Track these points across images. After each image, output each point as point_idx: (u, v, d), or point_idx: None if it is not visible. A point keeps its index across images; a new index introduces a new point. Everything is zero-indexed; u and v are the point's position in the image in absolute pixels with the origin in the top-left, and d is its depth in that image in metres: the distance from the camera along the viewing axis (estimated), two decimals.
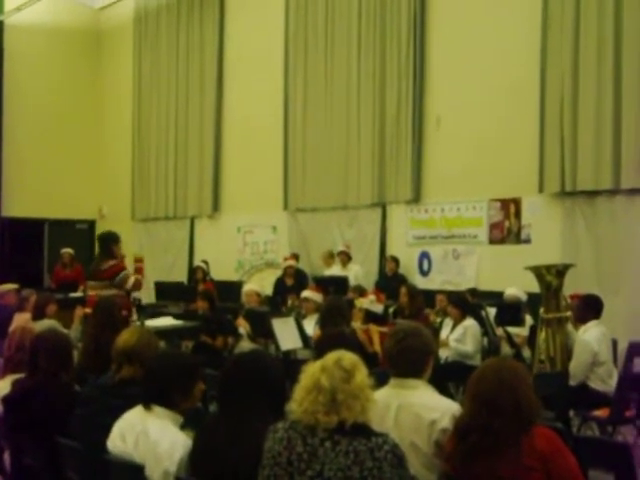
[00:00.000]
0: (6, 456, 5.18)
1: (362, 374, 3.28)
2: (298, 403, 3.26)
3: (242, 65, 16.27)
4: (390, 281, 12.30)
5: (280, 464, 3.23)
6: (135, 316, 9.04)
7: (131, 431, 3.97)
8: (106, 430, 4.09)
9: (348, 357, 3.34)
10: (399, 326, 4.36)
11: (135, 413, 4.05)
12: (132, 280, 8.79)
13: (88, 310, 8.08)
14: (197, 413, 4.99)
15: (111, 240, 9.06)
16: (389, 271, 12.88)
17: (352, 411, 3.19)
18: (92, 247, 19.97)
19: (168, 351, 4.53)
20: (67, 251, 16.13)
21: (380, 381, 4.12)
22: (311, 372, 3.29)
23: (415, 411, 3.91)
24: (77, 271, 15.90)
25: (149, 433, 3.89)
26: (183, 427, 4.05)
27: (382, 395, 4.04)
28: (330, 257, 13.49)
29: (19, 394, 4.93)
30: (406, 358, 4.03)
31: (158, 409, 3.97)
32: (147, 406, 3.99)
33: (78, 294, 12.49)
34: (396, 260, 12.89)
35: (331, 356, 3.35)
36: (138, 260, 10.19)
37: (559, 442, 3.52)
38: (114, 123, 19.83)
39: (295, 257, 14.17)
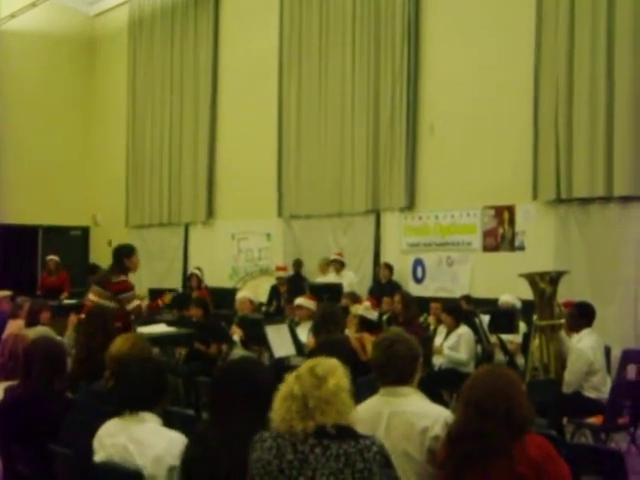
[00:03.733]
0: None
1: (336, 379, 3.28)
2: (274, 411, 3.29)
3: (236, 72, 16.30)
4: (384, 288, 12.29)
5: (271, 473, 3.22)
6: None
7: (114, 447, 3.95)
8: None
9: (325, 364, 3.35)
10: (383, 334, 4.36)
11: (112, 426, 4.03)
12: (134, 304, 8.67)
13: (83, 315, 8.02)
14: (190, 420, 5.00)
15: (123, 254, 8.86)
16: (383, 278, 12.89)
17: (327, 416, 3.19)
18: (86, 254, 20.01)
19: (141, 357, 4.52)
20: (52, 258, 16.24)
21: (371, 389, 4.12)
22: (287, 381, 3.33)
23: (406, 419, 3.90)
24: (62, 278, 16.03)
25: (140, 439, 3.89)
26: None
27: (373, 404, 4.04)
28: (327, 264, 13.48)
29: (12, 401, 4.92)
30: (394, 366, 4.02)
31: (143, 414, 3.98)
32: (132, 412, 3.98)
33: (72, 301, 12.48)
34: (390, 267, 12.89)
35: (307, 364, 3.38)
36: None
37: (552, 450, 3.52)
38: (108, 130, 19.83)
39: (297, 264, 14.16)
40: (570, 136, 10.70)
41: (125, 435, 3.94)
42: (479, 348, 9.30)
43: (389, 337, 4.17)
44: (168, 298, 9.90)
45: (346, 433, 3.21)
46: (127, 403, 4.01)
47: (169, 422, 4.14)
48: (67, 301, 13.68)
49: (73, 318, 8.48)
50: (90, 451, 4.06)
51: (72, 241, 19.96)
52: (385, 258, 13.30)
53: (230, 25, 16.66)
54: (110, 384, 4.53)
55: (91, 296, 8.65)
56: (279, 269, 13.89)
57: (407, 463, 3.80)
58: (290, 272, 14.17)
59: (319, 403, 3.20)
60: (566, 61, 10.72)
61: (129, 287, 8.68)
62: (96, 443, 4.06)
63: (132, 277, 11.46)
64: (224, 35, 16.79)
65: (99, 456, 4.03)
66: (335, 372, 3.31)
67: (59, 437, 4.45)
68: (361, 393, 3.63)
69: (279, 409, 3.26)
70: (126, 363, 4.28)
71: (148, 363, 4.21)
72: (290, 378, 3.32)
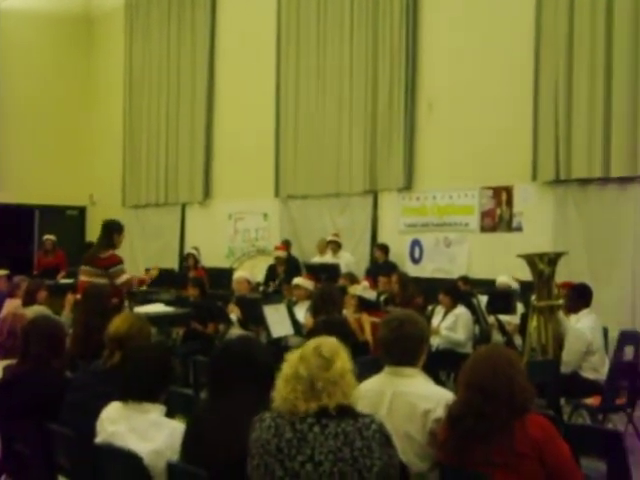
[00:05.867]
0: None
1: (342, 360, 3.26)
2: (277, 392, 3.26)
3: (234, 51, 16.21)
4: (381, 269, 12.27)
5: (269, 452, 3.20)
6: (126, 303, 8.95)
7: (114, 435, 3.92)
8: (97, 416, 4.07)
9: (328, 344, 3.32)
10: (393, 314, 4.35)
11: (114, 411, 4.01)
12: (124, 278, 8.71)
13: (78, 296, 8.03)
14: (188, 400, 4.98)
15: (114, 229, 8.98)
16: (378, 259, 12.86)
17: (332, 397, 3.18)
18: (82, 233, 19.99)
19: (147, 345, 4.47)
20: (49, 238, 16.29)
21: (369, 369, 4.11)
22: (291, 361, 3.29)
23: (409, 400, 3.90)
24: (59, 257, 16.06)
25: (140, 430, 3.87)
26: (175, 415, 4.03)
27: (376, 383, 4.03)
28: (324, 245, 13.44)
29: (10, 380, 4.91)
30: (402, 346, 4.01)
31: (146, 405, 3.95)
32: (136, 401, 3.96)
33: (68, 280, 12.47)
34: (384, 248, 12.83)
35: (310, 344, 3.34)
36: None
37: (553, 429, 3.52)
38: (105, 109, 19.74)
39: (287, 244, 14.14)
40: (569, 117, 10.67)
41: (126, 424, 3.92)
42: (477, 329, 9.30)
43: (399, 317, 4.15)
44: (155, 271, 9.95)
45: (345, 412, 3.20)
46: (131, 393, 3.98)
47: (167, 402, 4.11)
48: (64, 280, 13.67)
49: (70, 297, 8.47)
50: (90, 432, 4.05)
51: (69, 221, 19.95)
52: (382, 239, 13.27)
53: (228, 3, 16.57)
54: (109, 364, 4.51)
55: (82, 277, 8.70)
56: (278, 248, 13.85)
57: (408, 444, 3.80)
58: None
59: (327, 385, 3.18)
60: (566, 42, 10.68)
61: (118, 260, 8.74)
62: (98, 426, 4.05)
63: (128, 257, 11.51)
64: (222, 14, 16.68)
65: (100, 438, 4.01)
66: (340, 353, 3.29)
67: (58, 416, 4.45)
68: (360, 374, 3.62)
69: (282, 389, 3.24)
70: (132, 351, 4.24)
71: (154, 352, 4.17)
72: (293, 358, 3.29)
